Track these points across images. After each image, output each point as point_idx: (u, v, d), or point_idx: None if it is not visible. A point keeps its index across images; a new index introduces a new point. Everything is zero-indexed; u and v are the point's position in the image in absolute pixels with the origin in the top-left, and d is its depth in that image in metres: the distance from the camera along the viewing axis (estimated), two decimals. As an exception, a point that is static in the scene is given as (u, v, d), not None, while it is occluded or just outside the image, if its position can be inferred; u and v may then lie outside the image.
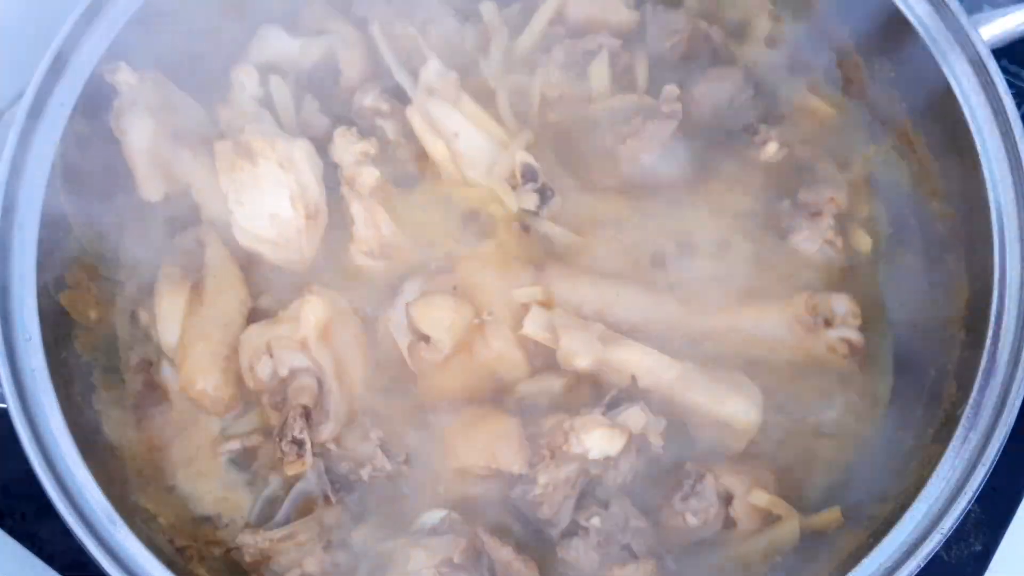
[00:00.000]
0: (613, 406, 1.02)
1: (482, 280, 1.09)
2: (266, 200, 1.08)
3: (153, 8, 1.11)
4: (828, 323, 1.09)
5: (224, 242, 1.11)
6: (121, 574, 0.91)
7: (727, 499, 1.02)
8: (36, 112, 1.03)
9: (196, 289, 1.09)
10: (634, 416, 1.01)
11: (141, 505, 1.03)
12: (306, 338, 1.03)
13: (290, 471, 1.01)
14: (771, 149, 1.16)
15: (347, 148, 1.11)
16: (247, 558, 1.02)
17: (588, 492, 1.03)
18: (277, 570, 1.01)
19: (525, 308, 1.07)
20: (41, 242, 1.01)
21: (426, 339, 1.04)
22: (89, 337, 1.09)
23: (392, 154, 1.16)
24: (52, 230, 1.04)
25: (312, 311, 1.04)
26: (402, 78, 1.17)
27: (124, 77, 1.08)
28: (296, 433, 1.00)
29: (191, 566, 1.02)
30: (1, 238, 0.99)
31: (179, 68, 1.16)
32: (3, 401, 0.96)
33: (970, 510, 0.92)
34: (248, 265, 1.12)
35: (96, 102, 1.08)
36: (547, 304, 1.08)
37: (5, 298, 0.98)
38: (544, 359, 1.07)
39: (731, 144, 1.18)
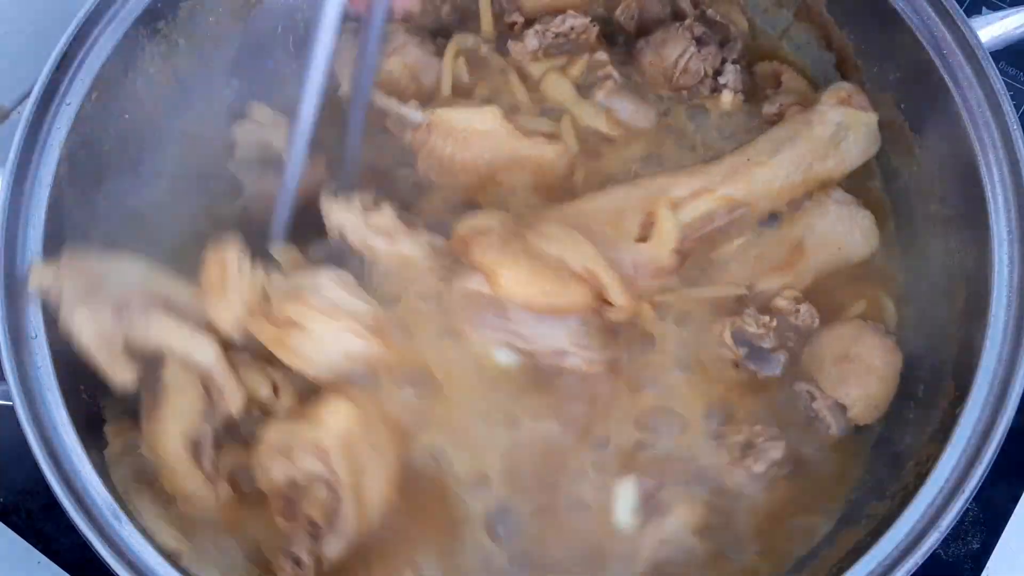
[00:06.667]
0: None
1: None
2: (329, 348, 0.99)
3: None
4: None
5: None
6: (126, 570, 0.91)
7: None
8: (43, 112, 1.03)
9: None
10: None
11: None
12: (327, 445, 0.95)
13: None
14: (726, 99, 1.18)
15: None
16: None
17: None
18: None
19: None
20: (47, 240, 1.01)
21: None
22: (94, 335, 1.09)
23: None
24: (58, 228, 1.04)
25: (335, 418, 0.95)
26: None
27: (39, 281, 0.97)
28: (300, 554, 0.94)
29: (195, 562, 1.02)
30: (8, 237, 0.99)
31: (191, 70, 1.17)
32: (8, 398, 0.96)
33: (968, 509, 0.93)
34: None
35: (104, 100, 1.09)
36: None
37: (11, 296, 0.98)
38: None
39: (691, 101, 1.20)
